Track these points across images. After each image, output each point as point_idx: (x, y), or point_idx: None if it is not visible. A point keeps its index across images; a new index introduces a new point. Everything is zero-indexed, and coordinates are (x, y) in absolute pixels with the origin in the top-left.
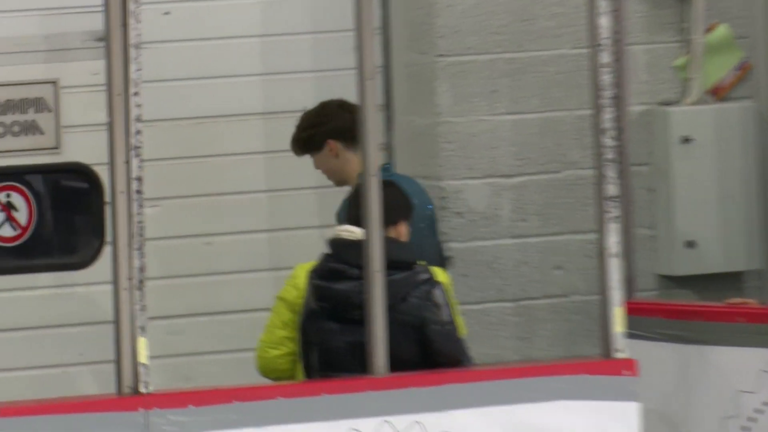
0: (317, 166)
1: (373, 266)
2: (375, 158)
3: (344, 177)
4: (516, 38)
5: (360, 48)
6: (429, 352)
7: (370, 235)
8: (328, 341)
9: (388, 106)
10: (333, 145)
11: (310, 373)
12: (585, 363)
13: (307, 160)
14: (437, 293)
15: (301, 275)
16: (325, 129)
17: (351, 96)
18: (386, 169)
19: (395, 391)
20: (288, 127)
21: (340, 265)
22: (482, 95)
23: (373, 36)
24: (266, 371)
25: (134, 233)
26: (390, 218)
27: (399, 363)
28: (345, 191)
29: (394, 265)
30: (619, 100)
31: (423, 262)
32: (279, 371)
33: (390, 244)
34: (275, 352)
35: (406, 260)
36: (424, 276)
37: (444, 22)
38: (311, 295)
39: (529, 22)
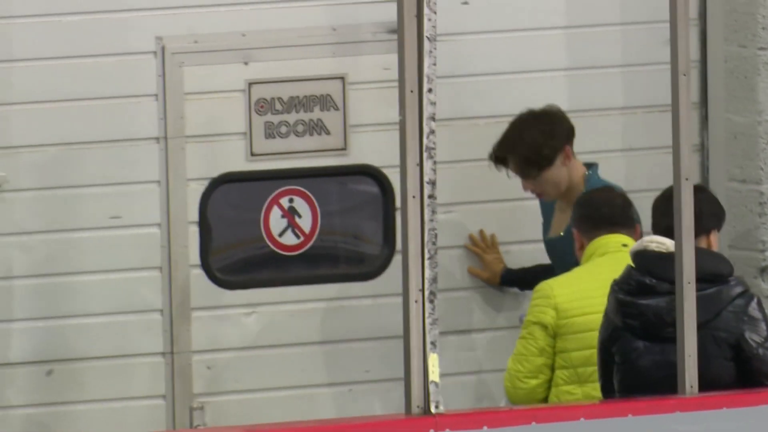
0: (542, 183)
1: (684, 278)
2: (688, 160)
3: (569, 186)
4: None
5: (674, 40)
6: (745, 371)
7: (681, 244)
8: (634, 360)
9: (703, 104)
10: (568, 151)
11: (610, 393)
12: None
13: (613, 162)
14: (754, 307)
15: (557, 293)
16: (559, 137)
17: (664, 93)
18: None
19: (706, 413)
20: (594, 126)
21: (648, 279)
22: None
23: (688, 27)
24: (525, 401)
25: (426, 241)
26: (702, 226)
27: (712, 383)
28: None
29: (706, 277)
30: None
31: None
32: (537, 401)
33: (702, 254)
34: (534, 382)
35: (720, 272)
36: (739, 289)
37: (767, 12)
38: (614, 311)
39: None
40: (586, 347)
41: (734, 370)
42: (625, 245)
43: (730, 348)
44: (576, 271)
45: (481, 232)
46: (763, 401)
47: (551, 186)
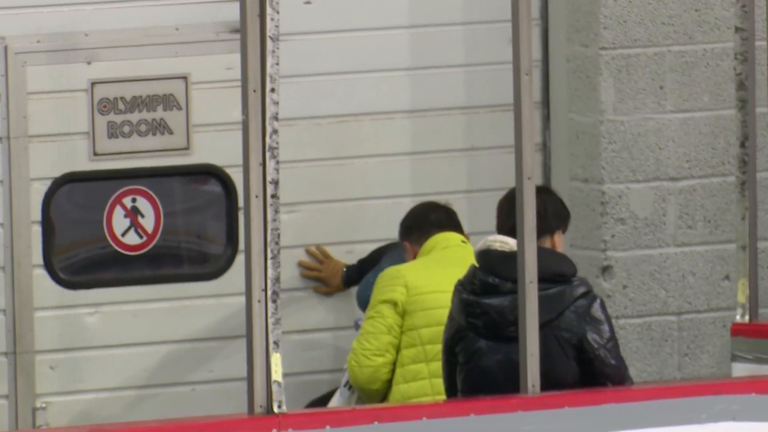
0: None
1: (527, 278)
2: (531, 160)
3: None
4: (687, 29)
5: (516, 40)
6: (587, 371)
7: (524, 243)
8: (477, 359)
9: (546, 104)
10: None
11: (454, 393)
12: (755, 381)
13: (456, 161)
14: (596, 308)
15: (405, 274)
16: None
17: (507, 93)
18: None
19: (548, 412)
20: (437, 126)
21: (491, 278)
22: (649, 91)
23: (530, 27)
24: (369, 382)
25: (269, 241)
26: (546, 227)
27: (555, 383)
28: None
29: (550, 277)
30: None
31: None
32: (381, 381)
33: (545, 255)
34: (381, 360)
35: (563, 273)
36: (582, 289)
37: (609, 12)
38: (459, 310)
39: (701, 12)
40: (434, 324)
41: (577, 370)
42: (464, 242)
43: (572, 348)
44: (420, 260)
45: (308, 249)
46: (603, 401)
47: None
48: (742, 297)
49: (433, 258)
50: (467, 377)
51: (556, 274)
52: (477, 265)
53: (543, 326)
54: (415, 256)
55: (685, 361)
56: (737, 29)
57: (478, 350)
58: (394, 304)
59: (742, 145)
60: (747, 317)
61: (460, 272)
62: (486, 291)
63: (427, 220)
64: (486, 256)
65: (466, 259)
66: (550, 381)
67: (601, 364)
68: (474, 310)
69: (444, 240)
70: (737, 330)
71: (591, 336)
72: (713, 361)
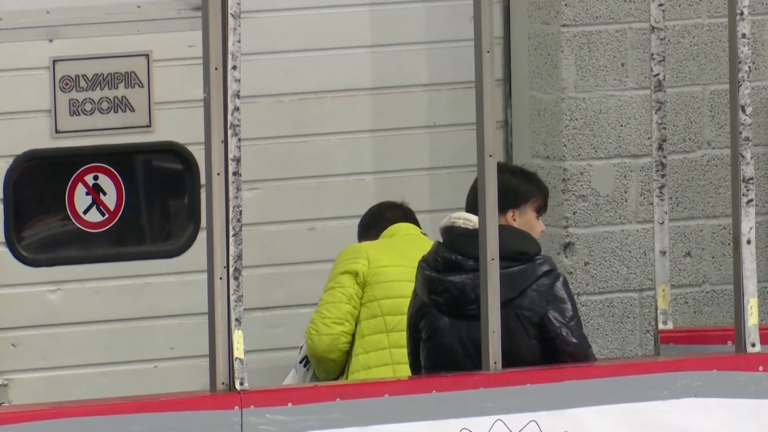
0: None
1: (488, 255)
2: (492, 137)
3: None
4: (647, 6)
5: (478, 17)
6: (549, 350)
7: (485, 221)
8: (439, 337)
9: (507, 81)
10: None
11: (417, 369)
12: (717, 358)
13: (418, 139)
14: (559, 287)
15: (367, 248)
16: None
17: (468, 70)
18: None
19: (510, 389)
20: (399, 103)
21: (454, 255)
22: (610, 68)
23: (492, 4)
24: (328, 350)
25: (231, 218)
26: (505, 203)
27: (515, 361)
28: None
29: (512, 255)
30: None
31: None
32: (340, 351)
33: (508, 232)
34: (340, 328)
35: (526, 251)
36: (545, 268)
37: None
38: (422, 287)
39: None
40: (394, 296)
41: (538, 349)
42: (423, 233)
43: (533, 327)
44: (382, 240)
45: None
46: (565, 377)
47: None
48: (663, 303)
49: (394, 240)
50: (429, 354)
51: (518, 252)
52: (441, 241)
53: (505, 304)
54: None
55: (646, 338)
56: (653, 29)
57: (440, 327)
58: (355, 274)
59: (660, 147)
60: (670, 323)
61: (420, 253)
62: (448, 268)
63: (384, 218)
64: (449, 233)
65: (426, 246)
66: (510, 359)
67: (563, 342)
68: (436, 287)
69: (404, 228)
70: (667, 338)
71: (552, 314)
72: None
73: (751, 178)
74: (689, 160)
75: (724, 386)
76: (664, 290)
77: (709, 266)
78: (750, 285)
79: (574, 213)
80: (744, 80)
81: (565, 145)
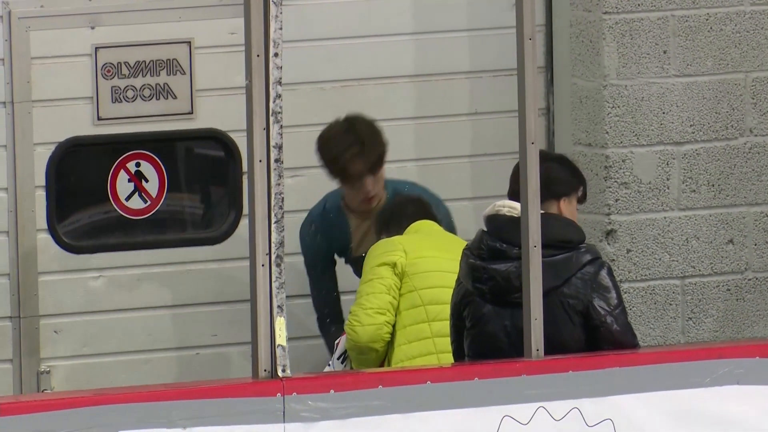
0: (379, 182)
1: (530, 242)
2: (534, 125)
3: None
4: None
5: (520, 4)
6: (593, 338)
7: (527, 208)
8: (483, 325)
9: (549, 68)
10: None
11: (460, 358)
12: (760, 345)
13: (460, 126)
14: (604, 275)
15: (402, 241)
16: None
17: (510, 57)
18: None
19: (552, 376)
20: (441, 91)
21: (499, 243)
22: (652, 56)
23: None
24: (372, 340)
25: (273, 205)
26: (552, 192)
27: (560, 349)
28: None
29: (556, 244)
30: None
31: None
32: (383, 341)
33: (552, 220)
34: (383, 318)
35: (570, 239)
36: (589, 256)
37: None
38: (466, 275)
39: None
40: (434, 286)
41: (582, 337)
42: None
43: (578, 315)
44: (413, 234)
45: None
46: (607, 364)
47: (380, 188)
48: None
49: (422, 235)
50: (473, 342)
51: (563, 240)
52: (485, 230)
53: (549, 292)
54: None
55: (688, 325)
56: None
57: (484, 315)
58: (393, 265)
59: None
60: None
61: (452, 245)
62: (493, 256)
63: (405, 213)
64: (494, 221)
65: (454, 241)
66: (555, 347)
67: (607, 331)
68: (480, 275)
69: (428, 225)
70: None
71: (597, 303)
72: (717, 325)
73: None
74: (731, 147)
75: (766, 374)
76: None
77: (751, 253)
78: None
79: (616, 200)
80: None
81: (607, 133)
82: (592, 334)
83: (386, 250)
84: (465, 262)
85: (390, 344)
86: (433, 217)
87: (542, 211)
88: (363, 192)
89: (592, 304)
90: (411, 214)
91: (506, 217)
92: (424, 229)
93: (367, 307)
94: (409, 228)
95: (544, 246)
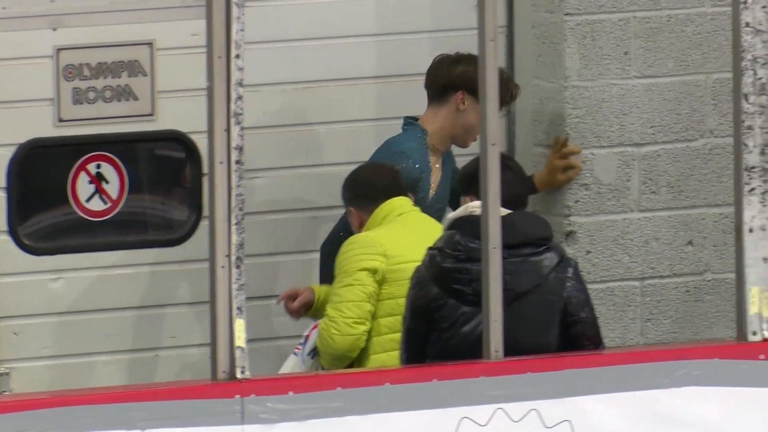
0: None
1: (490, 243)
2: (495, 126)
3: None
4: None
5: (482, 6)
6: (569, 334)
7: (487, 209)
8: (461, 326)
9: (511, 70)
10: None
11: (416, 361)
12: (718, 346)
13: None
14: (576, 270)
15: (382, 242)
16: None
17: None
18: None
19: (511, 377)
20: (403, 92)
21: (476, 243)
22: (613, 57)
23: None
24: (350, 350)
25: (233, 207)
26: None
27: (544, 347)
28: (461, 163)
29: (536, 242)
30: None
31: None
32: (359, 349)
33: (529, 218)
34: (362, 328)
35: (548, 236)
36: (561, 252)
37: None
38: (439, 277)
39: None
40: None
41: (561, 334)
42: (414, 206)
43: (558, 312)
44: (389, 228)
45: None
46: (566, 366)
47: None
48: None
49: (399, 225)
50: (446, 344)
51: (541, 238)
52: (455, 231)
53: (532, 291)
54: (361, 223)
55: (647, 327)
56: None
57: (461, 317)
58: (374, 271)
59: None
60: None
61: (428, 240)
62: (471, 257)
63: (377, 188)
64: (469, 223)
65: (426, 223)
66: (541, 346)
67: (584, 326)
68: (462, 276)
69: (398, 206)
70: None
71: (574, 299)
72: (676, 326)
73: (754, 167)
74: (692, 149)
75: (725, 375)
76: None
77: (710, 255)
78: (752, 273)
79: (576, 201)
80: (747, 69)
81: (568, 134)
82: (568, 331)
83: (366, 252)
84: (437, 265)
85: (363, 350)
86: (403, 192)
87: (510, 211)
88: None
89: (570, 300)
90: (383, 189)
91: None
92: (393, 212)
93: (348, 316)
94: (376, 212)
95: (524, 245)
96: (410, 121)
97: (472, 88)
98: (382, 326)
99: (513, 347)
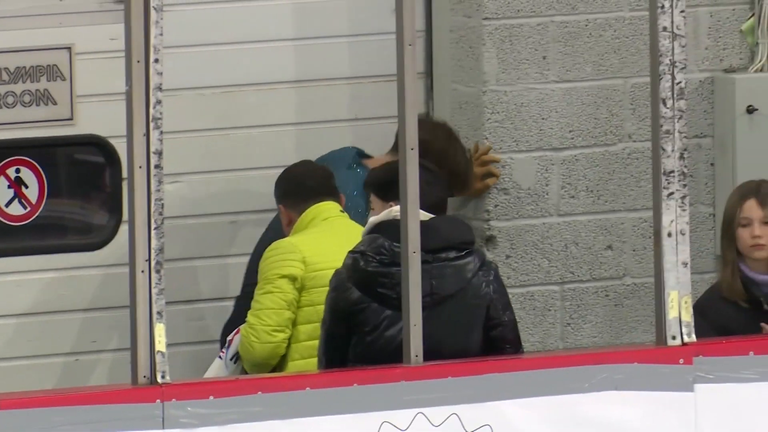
0: None
1: (409, 248)
2: (414, 131)
3: None
4: (569, 0)
5: (400, 10)
6: (490, 338)
7: (407, 214)
8: (384, 330)
9: (429, 74)
10: None
11: (335, 365)
12: (638, 351)
13: (341, 132)
14: (497, 275)
15: (302, 248)
16: None
17: (390, 63)
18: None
19: (431, 382)
20: (322, 96)
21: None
22: (532, 62)
23: None
24: (269, 357)
25: (153, 211)
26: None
27: (468, 351)
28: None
29: (459, 246)
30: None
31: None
32: (279, 357)
33: (454, 222)
34: (282, 336)
35: (471, 240)
36: (483, 256)
37: None
38: (363, 282)
39: None
40: None
41: (483, 337)
42: (342, 211)
43: (481, 316)
44: (311, 233)
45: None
46: (486, 370)
47: None
48: (686, 315)
49: (321, 230)
50: (368, 347)
51: (464, 242)
52: (378, 235)
53: (456, 295)
54: (290, 221)
55: (567, 331)
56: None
57: (385, 320)
58: (293, 279)
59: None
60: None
61: (351, 247)
62: (395, 261)
63: (305, 187)
64: (392, 227)
65: (350, 229)
66: (464, 350)
67: (505, 329)
68: (386, 280)
69: (325, 211)
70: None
71: (497, 302)
72: (596, 331)
73: (672, 171)
74: (610, 153)
75: (644, 379)
76: (686, 302)
77: (630, 259)
78: (671, 278)
79: (496, 206)
80: (665, 73)
81: (486, 138)
82: (489, 334)
83: (285, 258)
84: (361, 269)
85: (283, 356)
86: (332, 190)
87: (432, 215)
88: None
89: (492, 303)
90: (312, 189)
91: None
92: (319, 216)
93: (267, 324)
94: (303, 216)
95: (447, 248)
96: (359, 160)
97: None
98: (301, 333)
99: (436, 351)
